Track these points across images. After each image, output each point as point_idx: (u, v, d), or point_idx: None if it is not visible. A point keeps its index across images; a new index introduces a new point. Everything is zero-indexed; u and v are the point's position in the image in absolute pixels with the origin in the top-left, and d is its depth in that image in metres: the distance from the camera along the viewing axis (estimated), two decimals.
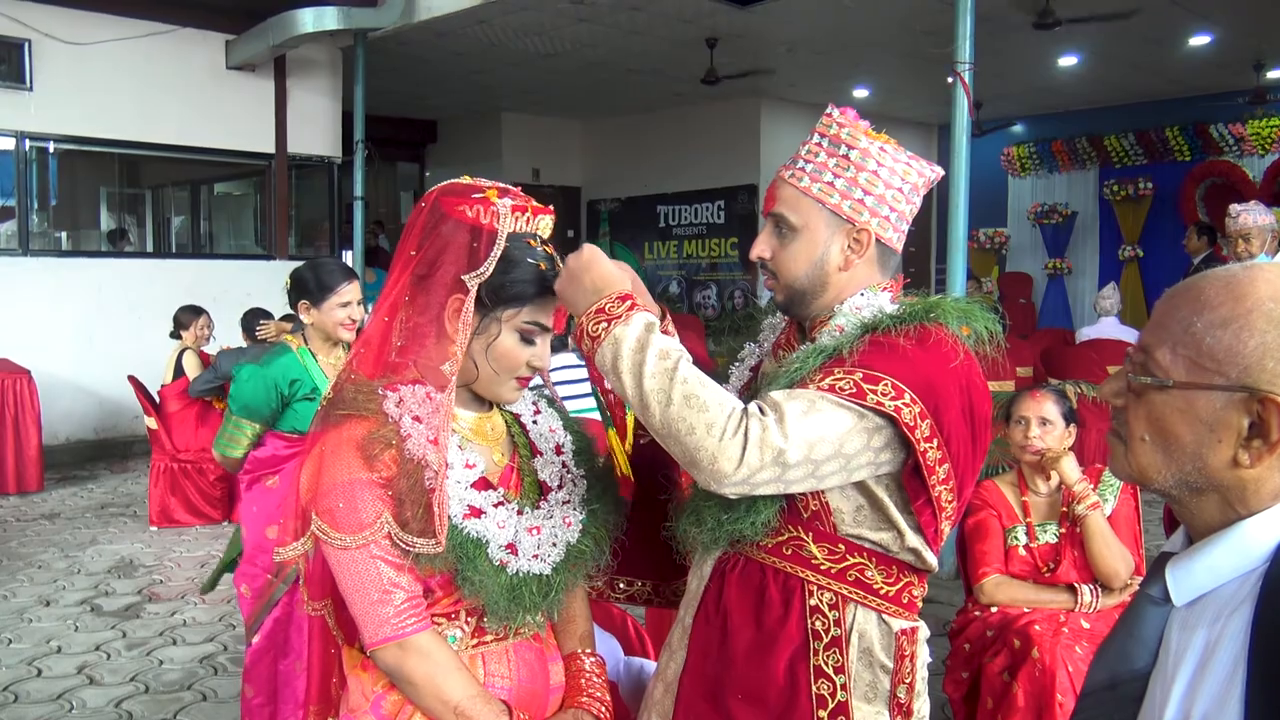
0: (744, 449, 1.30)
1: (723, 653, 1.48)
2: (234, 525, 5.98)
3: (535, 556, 1.48)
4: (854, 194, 1.48)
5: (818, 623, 1.43)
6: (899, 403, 1.34)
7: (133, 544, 5.66)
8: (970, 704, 2.84)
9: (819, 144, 1.52)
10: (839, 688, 1.42)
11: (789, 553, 1.44)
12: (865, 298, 1.49)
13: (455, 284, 1.45)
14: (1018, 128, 12.65)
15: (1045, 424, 2.87)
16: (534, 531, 1.49)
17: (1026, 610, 2.80)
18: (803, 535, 1.44)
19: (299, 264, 3.26)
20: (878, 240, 1.50)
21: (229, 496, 6.17)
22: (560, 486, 1.57)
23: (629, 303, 1.38)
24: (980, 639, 2.86)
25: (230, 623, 4.35)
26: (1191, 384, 0.94)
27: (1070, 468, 2.79)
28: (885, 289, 1.51)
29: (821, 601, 1.43)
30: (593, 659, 1.63)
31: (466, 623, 1.49)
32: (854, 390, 1.35)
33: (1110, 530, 2.76)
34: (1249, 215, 4.55)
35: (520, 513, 1.50)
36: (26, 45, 7.88)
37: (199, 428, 6.24)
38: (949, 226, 4.76)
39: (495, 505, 1.47)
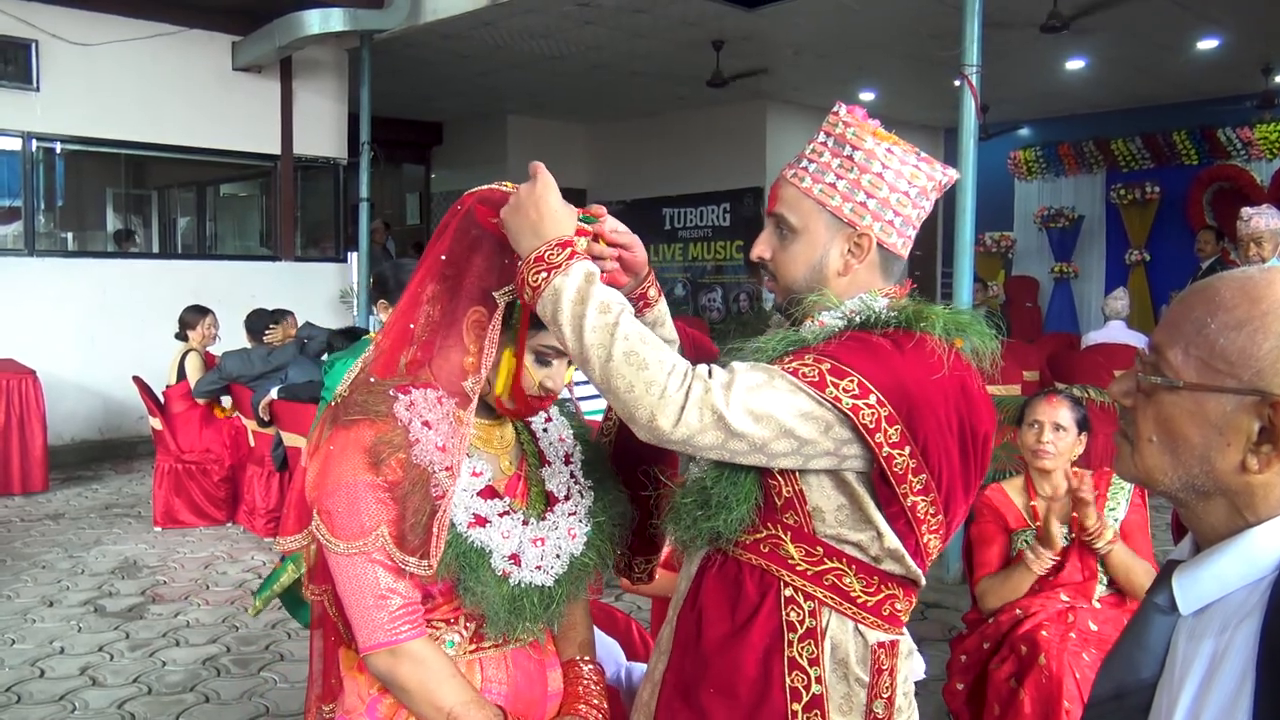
0: (683, 409, 1.27)
1: (699, 647, 1.46)
2: (238, 526, 6.01)
3: (538, 568, 1.46)
4: (856, 197, 1.44)
5: (793, 614, 1.40)
6: (860, 402, 1.30)
7: (137, 545, 5.66)
8: (976, 711, 2.82)
9: (824, 143, 1.49)
10: (814, 680, 1.38)
11: (766, 550, 1.41)
12: (862, 302, 1.45)
13: (479, 296, 1.43)
14: (1024, 131, 12.64)
15: (1059, 430, 2.84)
16: (538, 543, 1.47)
17: (1020, 614, 2.78)
18: (780, 534, 1.40)
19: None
20: (880, 245, 1.46)
21: (233, 498, 6.18)
22: (567, 498, 1.55)
23: (569, 250, 1.34)
24: (978, 650, 2.86)
25: (233, 624, 4.35)
26: (1202, 385, 0.92)
27: (1094, 522, 2.72)
28: (888, 295, 1.47)
29: (797, 594, 1.40)
30: (591, 666, 1.62)
31: (465, 628, 1.48)
32: (816, 378, 1.31)
33: (1129, 553, 2.74)
34: (1261, 219, 4.52)
35: (525, 523, 1.48)
36: (33, 46, 7.90)
37: (203, 429, 6.24)
38: (955, 230, 4.75)
39: (500, 515, 1.46)
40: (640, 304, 1.56)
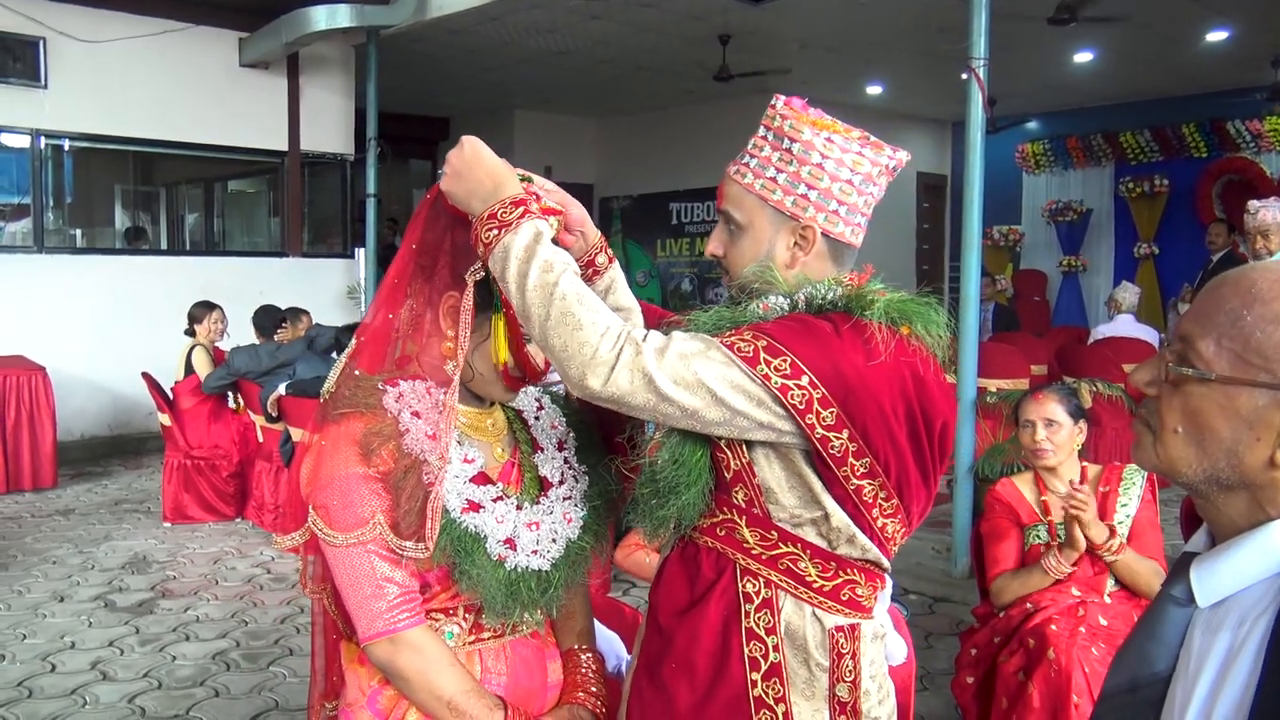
0: (613, 369, 1.30)
1: (661, 625, 1.47)
2: (246, 522, 6.02)
3: (534, 552, 1.48)
4: (797, 189, 1.44)
5: (749, 585, 1.40)
6: (790, 382, 1.30)
7: (146, 540, 5.68)
8: (984, 704, 2.82)
9: (764, 137, 1.49)
10: (771, 649, 1.38)
11: (722, 534, 1.42)
12: (813, 287, 1.44)
13: (453, 281, 1.45)
14: (1032, 124, 12.59)
15: (1051, 425, 2.84)
16: (533, 527, 1.49)
17: (1030, 608, 2.77)
18: (736, 519, 1.41)
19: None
20: (827, 235, 1.45)
21: (241, 493, 6.20)
22: (561, 482, 1.57)
23: (521, 209, 1.37)
24: (988, 645, 2.85)
25: (243, 619, 4.37)
26: (1235, 379, 0.91)
27: (1097, 532, 2.70)
28: (842, 283, 1.45)
29: (752, 573, 1.40)
30: (589, 655, 1.63)
31: (464, 619, 1.49)
32: (751, 354, 1.32)
33: (1134, 556, 2.73)
34: (1268, 212, 4.50)
35: (519, 508, 1.49)
36: (41, 43, 7.91)
37: (212, 424, 6.26)
38: (963, 224, 4.73)
39: (494, 500, 1.47)
40: (590, 272, 1.57)
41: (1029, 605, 2.79)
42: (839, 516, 1.37)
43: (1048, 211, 12.33)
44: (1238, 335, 0.91)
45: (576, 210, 1.54)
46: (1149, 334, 7.59)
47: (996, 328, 9.33)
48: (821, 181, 1.44)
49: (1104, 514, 2.79)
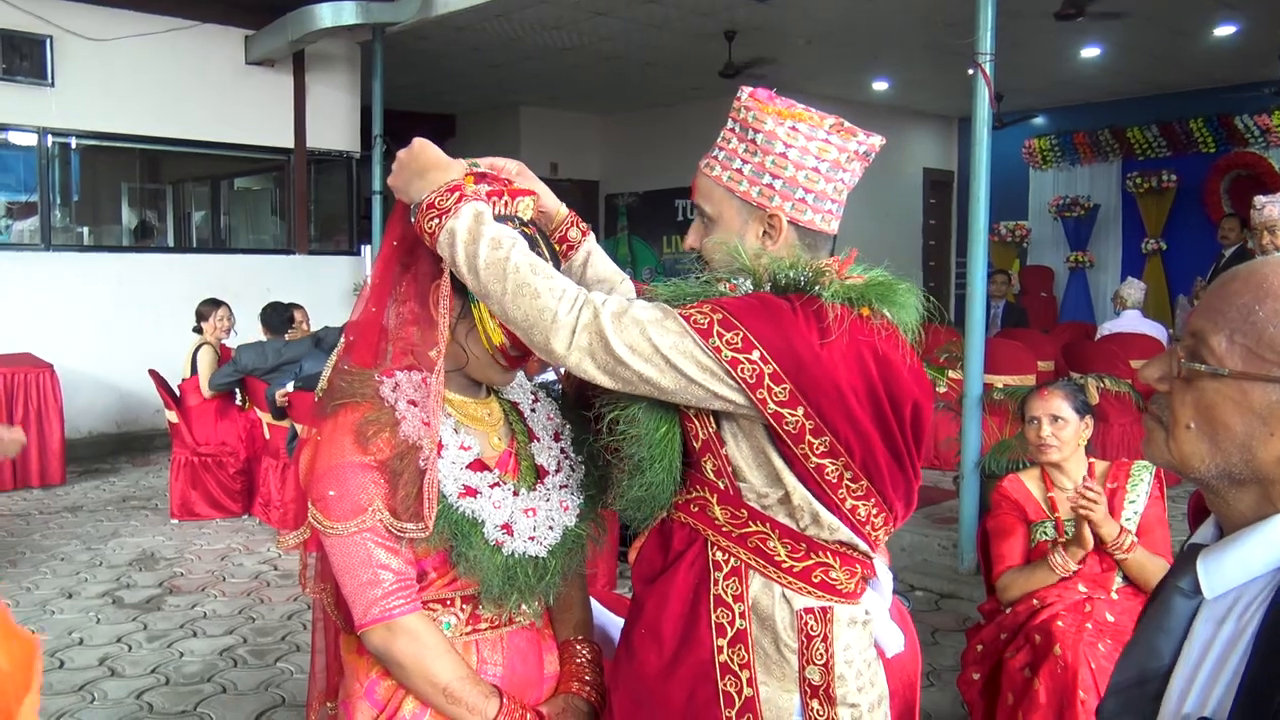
0: (574, 332, 1.32)
1: (635, 594, 1.49)
2: (253, 518, 6.04)
3: (531, 538, 1.49)
4: (762, 179, 1.45)
5: (718, 554, 1.41)
6: (741, 356, 1.31)
7: (154, 537, 5.70)
8: (990, 701, 2.82)
9: (731, 129, 1.50)
10: (738, 615, 1.39)
11: (695, 510, 1.44)
12: (776, 264, 1.44)
13: (436, 270, 1.47)
14: (1039, 120, 12.55)
15: (1057, 421, 2.83)
16: (530, 513, 1.50)
17: (1037, 604, 2.77)
18: (708, 496, 1.42)
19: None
20: (795, 224, 1.46)
21: (248, 490, 6.22)
22: (558, 470, 1.58)
23: (457, 194, 1.39)
24: (994, 641, 2.85)
25: (250, 615, 4.38)
26: (1248, 374, 0.91)
27: (1108, 530, 2.69)
28: (804, 264, 1.45)
29: (723, 545, 1.41)
30: (586, 645, 1.64)
31: (461, 609, 1.50)
32: (705, 326, 1.33)
33: (1145, 554, 2.72)
34: (1274, 207, 4.48)
35: (516, 494, 1.51)
36: (48, 41, 7.93)
37: (219, 421, 6.28)
38: (969, 220, 4.71)
39: (491, 486, 1.49)
40: (565, 248, 1.60)
41: (1035, 601, 2.78)
42: (800, 494, 1.37)
43: (1055, 207, 12.30)
44: (1250, 330, 0.91)
45: (530, 182, 1.57)
46: (1156, 330, 7.57)
47: (1006, 325, 9.31)
48: (786, 170, 1.45)
49: (1112, 510, 2.78)
